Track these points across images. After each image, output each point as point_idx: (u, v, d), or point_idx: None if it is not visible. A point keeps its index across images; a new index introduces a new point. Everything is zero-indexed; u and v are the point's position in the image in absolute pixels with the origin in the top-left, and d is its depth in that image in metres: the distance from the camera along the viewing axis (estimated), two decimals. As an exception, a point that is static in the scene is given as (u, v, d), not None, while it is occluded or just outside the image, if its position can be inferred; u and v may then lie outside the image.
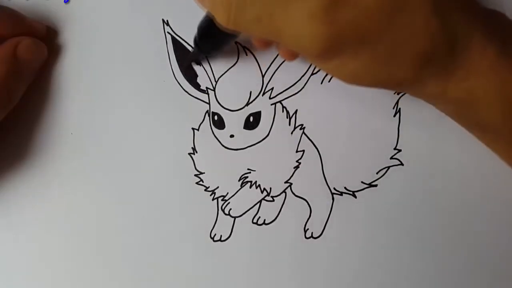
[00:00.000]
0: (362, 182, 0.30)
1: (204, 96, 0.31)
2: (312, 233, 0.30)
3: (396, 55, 0.22)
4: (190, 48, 0.31)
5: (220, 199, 0.31)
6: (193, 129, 0.31)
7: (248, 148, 0.31)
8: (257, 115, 0.31)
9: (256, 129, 0.31)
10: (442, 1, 0.21)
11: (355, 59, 0.22)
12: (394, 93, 0.31)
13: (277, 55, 0.30)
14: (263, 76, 0.31)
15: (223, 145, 0.31)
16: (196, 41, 0.28)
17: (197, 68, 0.31)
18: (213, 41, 0.28)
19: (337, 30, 0.21)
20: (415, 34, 0.21)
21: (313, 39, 0.21)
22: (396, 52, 0.22)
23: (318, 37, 0.21)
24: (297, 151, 0.31)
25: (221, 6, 0.22)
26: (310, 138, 0.31)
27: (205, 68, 0.31)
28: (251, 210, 0.31)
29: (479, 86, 0.23)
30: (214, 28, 0.25)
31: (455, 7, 0.22)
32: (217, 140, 0.31)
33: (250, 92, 0.31)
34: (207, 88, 0.31)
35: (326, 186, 0.30)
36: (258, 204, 0.31)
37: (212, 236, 0.30)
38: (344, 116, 0.31)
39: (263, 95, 0.31)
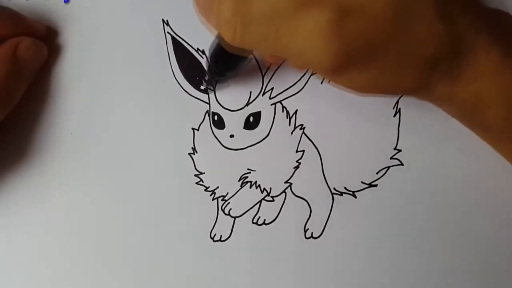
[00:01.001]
0: (362, 182, 0.30)
1: (204, 96, 0.31)
2: (312, 233, 0.30)
3: (404, 63, 0.22)
4: (190, 49, 0.31)
5: (220, 199, 0.31)
6: (193, 129, 0.31)
7: (248, 148, 0.31)
8: (257, 115, 0.31)
9: (256, 129, 0.31)
10: (446, 5, 0.21)
11: (365, 71, 0.22)
12: (394, 93, 0.31)
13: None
14: (263, 76, 0.31)
15: (223, 145, 0.31)
16: (209, 65, 0.28)
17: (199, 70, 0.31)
18: (225, 63, 0.28)
19: (346, 44, 0.20)
20: (421, 40, 0.21)
21: (322, 54, 0.21)
22: (404, 60, 0.22)
23: (328, 53, 0.21)
24: (297, 151, 0.31)
25: (227, 24, 0.21)
26: (310, 138, 0.31)
27: (205, 67, 0.31)
28: (251, 210, 0.31)
29: (485, 88, 0.23)
30: (224, 50, 0.25)
31: (459, 9, 0.22)
32: (217, 140, 0.31)
33: (250, 92, 0.31)
34: (207, 88, 0.31)
35: (326, 186, 0.30)
36: (258, 204, 0.31)
37: (212, 236, 0.30)
38: (344, 116, 0.31)
39: (263, 95, 0.31)
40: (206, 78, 0.31)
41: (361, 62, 0.22)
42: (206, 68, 0.30)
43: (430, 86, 0.23)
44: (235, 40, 0.22)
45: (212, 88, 0.31)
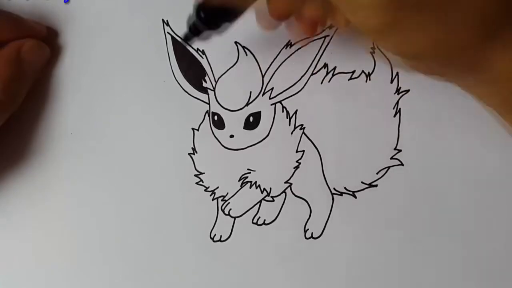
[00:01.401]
0: (362, 182, 0.30)
1: (204, 96, 0.31)
2: (312, 233, 0.30)
3: (461, 21, 0.20)
4: (190, 49, 0.31)
5: (220, 199, 0.31)
6: (193, 129, 0.31)
7: (248, 148, 0.31)
8: (257, 115, 0.31)
9: (256, 129, 0.31)
10: None
11: (418, 29, 0.20)
12: (394, 93, 0.30)
13: (277, 55, 0.30)
14: (263, 76, 0.31)
15: (223, 145, 0.31)
16: (194, 15, 0.24)
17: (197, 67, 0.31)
18: (216, 16, 0.24)
19: None
20: None
21: (373, 6, 0.19)
22: (461, 17, 0.20)
23: (379, 4, 0.19)
24: (297, 151, 0.30)
25: None
26: (310, 138, 0.31)
27: (205, 67, 0.31)
28: (251, 210, 0.31)
29: None
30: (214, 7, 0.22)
31: None
32: (217, 140, 0.31)
33: (250, 92, 0.31)
34: (207, 88, 0.31)
35: (326, 186, 0.30)
36: (258, 204, 0.31)
37: (212, 236, 0.30)
38: (344, 116, 0.31)
39: (263, 95, 0.31)
40: (185, 32, 0.25)
41: (413, 18, 0.20)
42: (188, 20, 0.25)
43: (486, 52, 0.21)
44: None
45: (190, 40, 0.26)
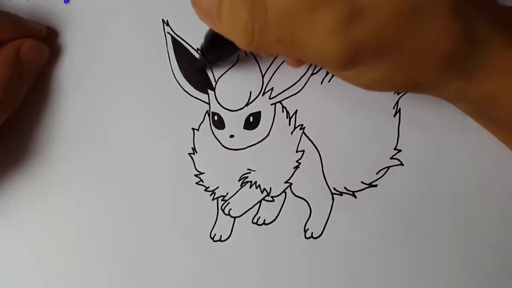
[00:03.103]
0: (362, 182, 0.30)
1: (204, 96, 0.31)
2: (312, 233, 0.30)
3: (417, 60, 0.22)
4: (190, 49, 0.31)
5: (220, 199, 0.31)
6: (193, 129, 0.31)
7: (248, 148, 0.31)
8: (257, 115, 0.31)
9: (256, 129, 0.31)
10: (462, 4, 0.21)
11: (376, 67, 0.22)
12: (394, 93, 0.31)
13: (277, 55, 0.30)
14: (263, 76, 0.31)
15: (223, 145, 0.31)
16: (203, 52, 0.28)
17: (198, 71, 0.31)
18: (220, 51, 0.28)
19: (357, 42, 0.21)
20: (436, 38, 0.21)
21: (334, 52, 0.21)
22: (417, 57, 0.22)
23: (339, 51, 0.21)
24: (297, 151, 0.31)
25: (243, 31, 0.21)
26: (310, 138, 0.31)
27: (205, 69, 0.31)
28: (251, 210, 0.31)
29: (500, 86, 0.23)
30: (221, 39, 0.24)
31: (475, 8, 0.22)
32: (217, 140, 0.31)
33: (250, 92, 0.31)
34: (207, 88, 0.31)
35: (326, 186, 0.30)
36: (258, 204, 0.31)
37: (212, 236, 0.30)
38: (344, 116, 0.31)
39: (263, 95, 0.31)
40: (198, 58, 0.30)
41: (372, 59, 0.21)
42: (199, 52, 0.29)
43: (443, 83, 0.23)
44: (252, 46, 0.22)
45: (205, 64, 0.30)
